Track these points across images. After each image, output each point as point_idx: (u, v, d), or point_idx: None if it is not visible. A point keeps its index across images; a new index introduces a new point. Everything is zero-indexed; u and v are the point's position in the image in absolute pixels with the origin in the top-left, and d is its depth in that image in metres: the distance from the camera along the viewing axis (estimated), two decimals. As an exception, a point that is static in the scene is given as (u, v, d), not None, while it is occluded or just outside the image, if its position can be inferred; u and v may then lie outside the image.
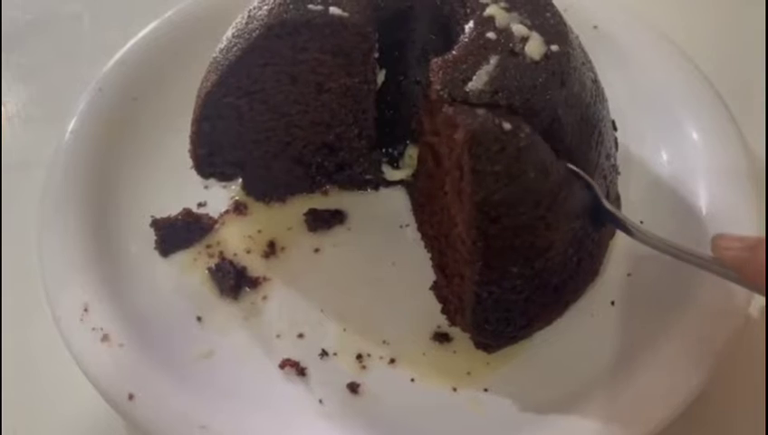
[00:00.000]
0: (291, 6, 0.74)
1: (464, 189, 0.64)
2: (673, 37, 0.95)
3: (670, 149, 0.86)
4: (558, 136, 0.67)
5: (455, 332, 0.76)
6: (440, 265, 0.78)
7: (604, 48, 0.91)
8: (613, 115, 0.81)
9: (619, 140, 0.82)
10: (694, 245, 0.75)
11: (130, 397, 0.68)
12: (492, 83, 0.66)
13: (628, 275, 0.78)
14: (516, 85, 0.66)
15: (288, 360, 0.74)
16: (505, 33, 0.70)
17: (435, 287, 0.79)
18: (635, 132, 0.88)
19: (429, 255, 0.81)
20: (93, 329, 0.73)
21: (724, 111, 0.86)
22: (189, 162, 0.84)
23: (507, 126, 0.62)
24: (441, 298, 0.78)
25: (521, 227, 0.65)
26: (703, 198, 0.80)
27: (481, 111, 0.63)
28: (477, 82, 0.67)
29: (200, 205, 0.87)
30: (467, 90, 0.66)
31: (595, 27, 0.96)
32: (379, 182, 0.88)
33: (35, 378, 0.80)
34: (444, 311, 0.77)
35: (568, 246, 0.70)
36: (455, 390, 0.72)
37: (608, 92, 0.80)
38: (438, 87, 0.67)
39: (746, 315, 0.71)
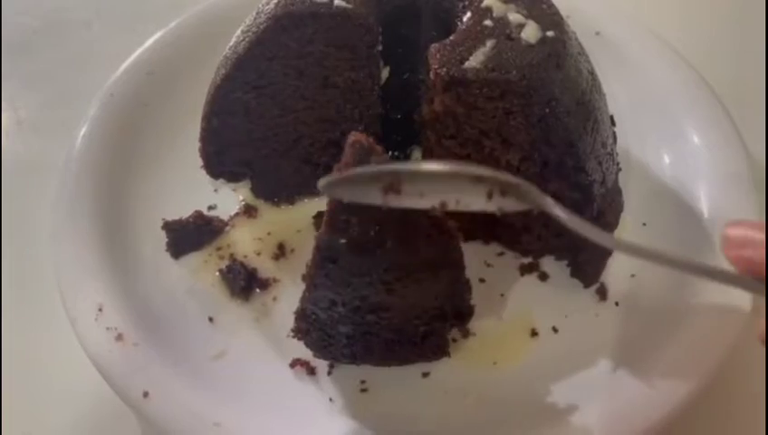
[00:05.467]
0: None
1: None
2: (673, 42, 0.97)
3: (672, 152, 0.88)
4: (556, 115, 0.68)
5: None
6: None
7: (606, 53, 0.92)
8: (616, 119, 0.82)
9: (620, 144, 0.83)
10: (696, 248, 0.77)
11: (145, 395, 0.69)
12: (488, 62, 0.68)
13: (632, 276, 0.79)
14: (512, 64, 0.68)
15: (299, 359, 0.75)
16: (502, 20, 0.73)
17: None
18: (637, 136, 0.90)
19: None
20: (108, 329, 0.74)
21: (724, 115, 0.87)
22: (200, 166, 0.86)
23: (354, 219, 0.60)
24: None
25: (360, 281, 0.64)
26: (704, 201, 0.82)
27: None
28: (474, 61, 0.69)
29: (211, 208, 0.88)
30: (464, 68, 0.68)
31: (597, 33, 0.97)
32: (386, 185, 0.89)
33: (51, 377, 0.81)
34: None
35: (413, 317, 0.69)
36: (463, 388, 0.73)
37: (610, 96, 0.81)
38: (437, 66, 0.69)
39: (748, 317, 0.71)
